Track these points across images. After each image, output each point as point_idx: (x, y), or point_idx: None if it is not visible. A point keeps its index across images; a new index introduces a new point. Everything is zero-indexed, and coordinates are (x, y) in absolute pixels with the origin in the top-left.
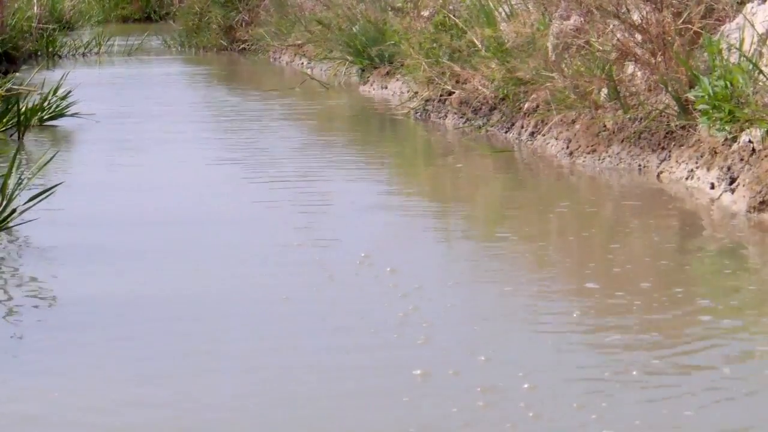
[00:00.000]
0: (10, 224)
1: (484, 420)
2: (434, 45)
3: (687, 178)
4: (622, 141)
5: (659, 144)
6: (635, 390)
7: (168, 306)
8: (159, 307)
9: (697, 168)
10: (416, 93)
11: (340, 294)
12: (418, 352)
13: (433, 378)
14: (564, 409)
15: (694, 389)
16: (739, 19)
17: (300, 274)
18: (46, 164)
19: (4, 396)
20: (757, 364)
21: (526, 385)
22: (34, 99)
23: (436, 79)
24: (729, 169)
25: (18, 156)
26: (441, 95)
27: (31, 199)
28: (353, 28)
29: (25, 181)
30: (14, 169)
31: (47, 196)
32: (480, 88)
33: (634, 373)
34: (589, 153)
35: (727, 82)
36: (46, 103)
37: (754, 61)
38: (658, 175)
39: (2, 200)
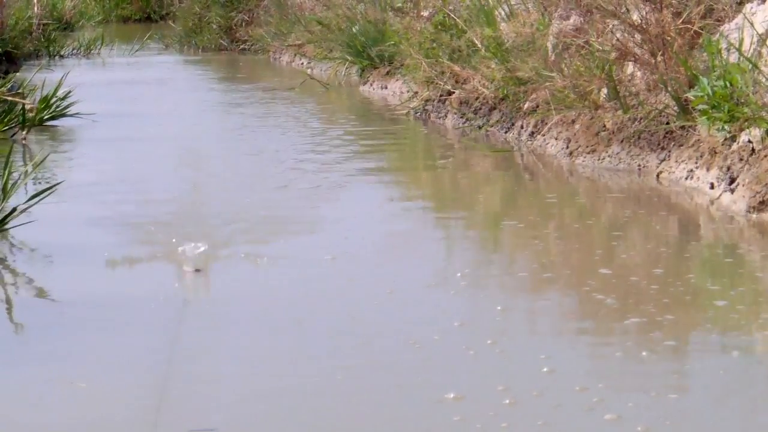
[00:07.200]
0: (10, 224)
1: (494, 405)
2: (434, 45)
3: (686, 178)
4: (622, 141)
5: (659, 144)
6: (637, 375)
7: (168, 306)
8: (159, 306)
9: (696, 168)
10: (416, 93)
11: (340, 294)
12: (428, 347)
13: (447, 360)
14: (571, 393)
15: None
16: (739, 19)
17: (310, 278)
18: (41, 162)
19: (3, 396)
20: (755, 356)
21: (545, 369)
22: (34, 98)
23: (436, 79)
24: (728, 169)
25: (13, 156)
26: (441, 95)
27: (31, 198)
28: (353, 28)
29: (20, 180)
30: (7, 168)
31: (47, 196)
32: (480, 88)
33: (644, 353)
34: (588, 153)
35: (727, 82)
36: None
37: (753, 61)
38: (657, 175)
39: (2, 200)
